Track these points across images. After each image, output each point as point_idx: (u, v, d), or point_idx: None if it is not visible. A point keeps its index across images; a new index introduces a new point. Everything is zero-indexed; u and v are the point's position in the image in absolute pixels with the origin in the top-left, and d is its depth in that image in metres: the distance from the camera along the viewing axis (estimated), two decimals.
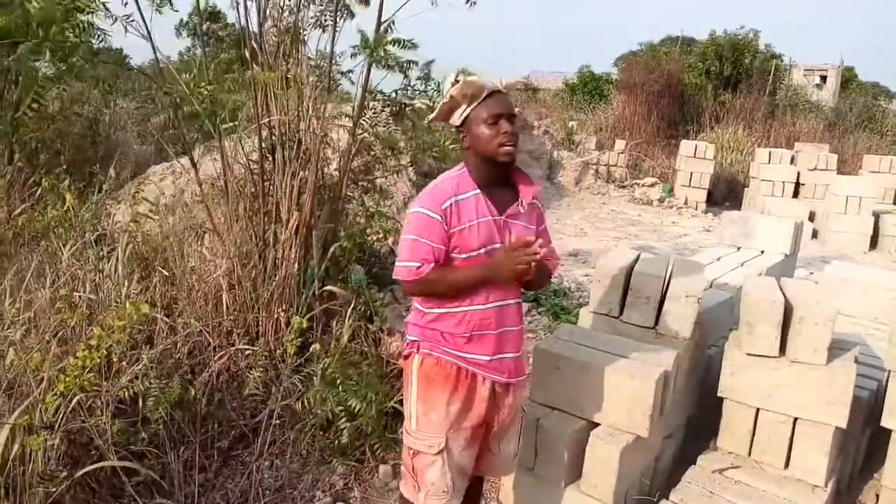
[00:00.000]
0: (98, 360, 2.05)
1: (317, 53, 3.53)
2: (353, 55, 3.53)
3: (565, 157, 13.41)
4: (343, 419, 2.92)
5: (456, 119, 2.15)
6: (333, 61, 3.56)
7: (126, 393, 2.63)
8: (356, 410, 2.81)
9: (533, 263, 2.03)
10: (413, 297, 2.25)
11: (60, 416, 2.12)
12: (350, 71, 3.58)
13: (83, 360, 1.97)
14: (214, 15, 15.89)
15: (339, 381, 2.91)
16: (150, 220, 3.68)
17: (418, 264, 2.08)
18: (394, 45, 3.37)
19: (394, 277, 2.18)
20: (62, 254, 3.14)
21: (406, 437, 2.26)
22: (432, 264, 2.08)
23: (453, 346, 2.16)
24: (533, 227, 2.24)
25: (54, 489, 2.02)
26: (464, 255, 2.11)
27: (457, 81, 2.09)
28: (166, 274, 3.20)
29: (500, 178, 2.19)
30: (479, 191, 2.13)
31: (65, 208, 3.22)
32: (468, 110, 2.12)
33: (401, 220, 4.63)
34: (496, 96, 2.13)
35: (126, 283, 3.01)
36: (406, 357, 2.26)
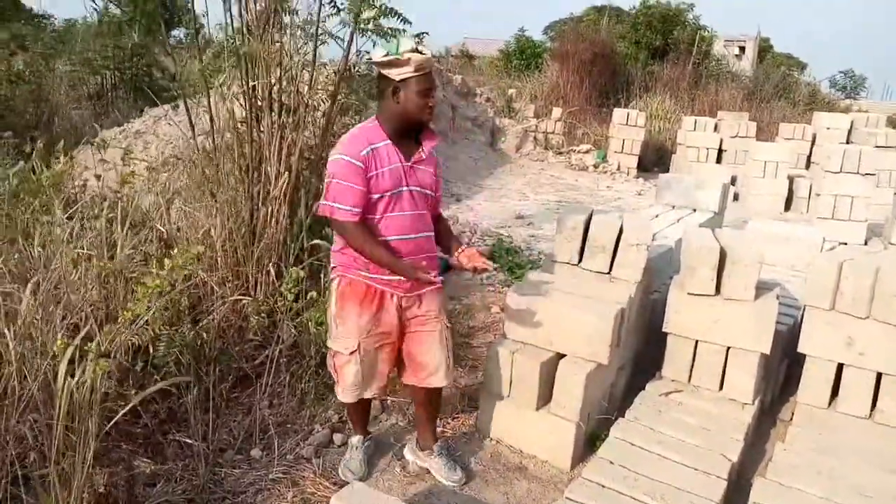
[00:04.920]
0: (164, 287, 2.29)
1: (304, 20, 3.67)
2: (344, 24, 3.69)
3: (507, 125, 13.80)
4: None
5: (395, 75, 2.50)
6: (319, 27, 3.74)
7: (139, 339, 2.84)
8: None
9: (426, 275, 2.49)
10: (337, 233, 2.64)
11: (114, 348, 2.35)
12: (335, 36, 3.72)
13: (157, 282, 2.20)
14: None
15: None
16: (138, 180, 3.81)
17: (357, 209, 2.48)
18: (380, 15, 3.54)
19: (321, 213, 2.56)
20: (58, 215, 3.27)
21: (330, 343, 2.73)
22: (360, 209, 2.48)
23: (362, 268, 2.59)
24: (431, 170, 2.70)
25: (117, 411, 2.26)
26: (376, 196, 2.52)
27: (417, 51, 2.47)
28: (162, 230, 3.39)
29: (409, 133, 2.62)
30: (389, 141, 2.56)
31: (59, 170, 3.33)
32: (410, 75, 2.48)
33: None
34: (431, 73, 2.55)
35: (124, 241, 3.18)
36: (332, 280, 2.72)
